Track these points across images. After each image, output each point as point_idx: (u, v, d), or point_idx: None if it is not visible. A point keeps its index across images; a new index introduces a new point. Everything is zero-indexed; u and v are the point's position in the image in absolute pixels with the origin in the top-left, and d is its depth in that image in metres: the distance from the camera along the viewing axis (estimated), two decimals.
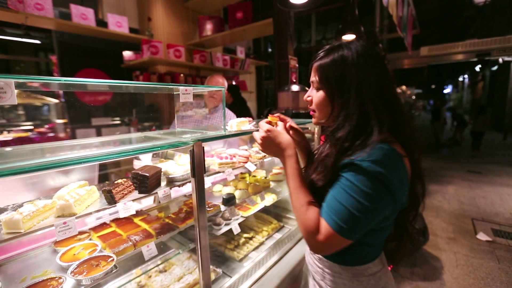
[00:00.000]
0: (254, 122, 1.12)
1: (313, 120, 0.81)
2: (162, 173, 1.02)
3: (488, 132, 10.06)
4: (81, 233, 1.00)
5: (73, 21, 3.18)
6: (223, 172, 1.21)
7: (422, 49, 7.65)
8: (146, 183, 0.88)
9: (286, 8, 2.14)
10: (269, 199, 1.79)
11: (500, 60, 9.75)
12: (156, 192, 0.91)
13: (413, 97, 17.77)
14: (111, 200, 0.81)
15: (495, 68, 12.38)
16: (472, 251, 2.79)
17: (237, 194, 1.40)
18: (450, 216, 3.64)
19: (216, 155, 1.34)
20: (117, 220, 1.11)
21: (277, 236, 1.77)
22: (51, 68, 4.21)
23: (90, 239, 0.98)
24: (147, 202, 1.43)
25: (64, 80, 0.71)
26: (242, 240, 1.60)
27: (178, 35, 4.17)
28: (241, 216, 1.58)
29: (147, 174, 0.87)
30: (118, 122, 4.18)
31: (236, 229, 1.44)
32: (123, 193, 0.84)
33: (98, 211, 0.78)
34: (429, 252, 2.77)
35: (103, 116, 4.19)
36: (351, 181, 0.61)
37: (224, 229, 1.44)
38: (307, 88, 2.11)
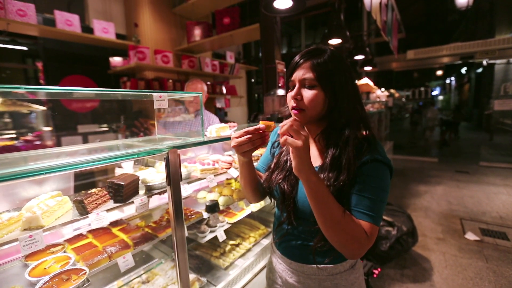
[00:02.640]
0: (236, 128, 1.11)
1: (299, 119, 0.77)
2: (140, 181, 1.00)
3: (475, 132, 10.45)
4: (55, 245, 0.97)
5: (58, 27, 3.14)
6: (205, 178, 1.19)
7: (409, 52, 7.84)
8: (122, 192, 0.85)
9: (270, 13, 2.16)
10: (256, 204, 1.78)
11: (484, 62, 10.07)
12: (132, 201, 0.88)
13: (403, 99, 18.16)
14: (83, 210, 0.78)
15: (480, 70, 12.76)
16: (460, 251, 2.82)
17: (221, 200, 1.38)
18: (439, 216, 3.69)
19: (198, 161, 1.32)
20: (94, 231, 1.08)
21: (265, 242, 1.75)
22: (38, 75, 4.13)
23: (64, 252, 0.94)
24: (129, 210, 1.39)
25: (38, 89, 0.69)
26: (228, 247, 1.57)
27: (166, 41, 4.16)
28: (227, 223, 1.56)
29: (123, 183, 0.85)
30: (105, 129, 4.11)
31: (222, 236, 1.42)
32: (96, 203, 0.82)
33: (67, 223, 0.75)
34: (419, 253, 2.79)
35: (90, 123, 4.12)
36: (376, 175, 0.69)
37: (209, 236, 1.42)
38: None
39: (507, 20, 10.82)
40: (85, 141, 3.70)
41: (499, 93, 7.46)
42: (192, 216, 1.18)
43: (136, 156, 0.78)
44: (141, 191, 1.00)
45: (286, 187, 0.79)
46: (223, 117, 5.33)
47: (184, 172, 1.07)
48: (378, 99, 5.50)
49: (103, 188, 0.86)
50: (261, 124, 0.74)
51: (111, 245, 0.94)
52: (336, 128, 0.75)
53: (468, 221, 3.54)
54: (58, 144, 3.56)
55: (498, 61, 9.94)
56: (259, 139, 0.75)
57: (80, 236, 1.03)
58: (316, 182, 0.64)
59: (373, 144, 0.72)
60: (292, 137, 0.62)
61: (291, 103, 0.77)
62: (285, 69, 2.91)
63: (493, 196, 4.42)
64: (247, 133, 0.74)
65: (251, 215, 1.83)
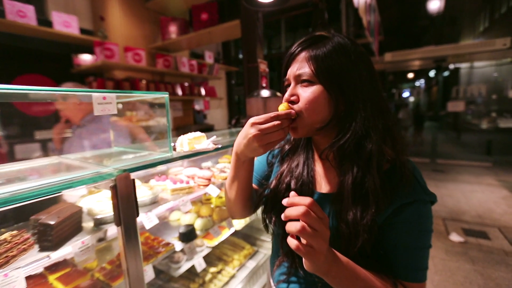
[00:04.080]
0: (214, 137, 0.88)
1: (293, 131, 0.58)
2: (86, 212, 0.74)
3: (444, 132, 11.10)
4: None
5: (8, 18, 2.72)
6: (179, 200, 0.95)
7: (386, 55, 8.04)
8: (51, 234, 0.59)
9: (253, 7, 1.96)
10: (241, 221, 1.56)
11: (451, 66, 10.66)
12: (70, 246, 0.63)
13: None
14: None
15: (447, 74, 13.50)
16: (448, 254, 2.79)
17: (198, 224, 1.14)
18: None
19: (170, 177, 1.08)
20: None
21: (251, 264, 1.53)
22: None
23: None
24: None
25: None
26: (209, 276, 1.33)
27: (138, 38, 3.82)
28: (207, 247, 1.32)
29: (51, 222, 0.59)
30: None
31: (201, 265, 1.19)
32: (7, 257, 0.55)
33: None
34: None
35: (50, 129, 3.66)
36: (420, 219, 0.53)
37: (185, 266, 1.18)
38: (278, 94, 1.92)
39: (471, 27, 11.58)
40: (44, 148, 3.27)
41: (452, 96, 8.11)
42: (161, 250, 0.94)
43: (68, 187, 0.54)
44: (88, 224, 0.74)
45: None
46: (202, 119, 5.04)
47: (147, 196, 0.83)
48: None
49: (22, 231, 0.60)
50: (290, 109, 0.55)
51: None
52: (350, 140, 0.54)
53: (451, 221, 3.56)
54: (10, 154, 3.11)
55: (463, 65, 10.56)
56: (287, 127, 0.55)
57: None
58: (338, 273, 0.46)
59: (411, 174, 0.53)
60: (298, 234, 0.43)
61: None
62: (267, 69, 2.72)
63: (469, 195, 4.55)
64: (276, 117, 0.52)
65: (234, 233, 1.61)
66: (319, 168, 0.64)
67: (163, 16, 3.94)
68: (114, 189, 0.56)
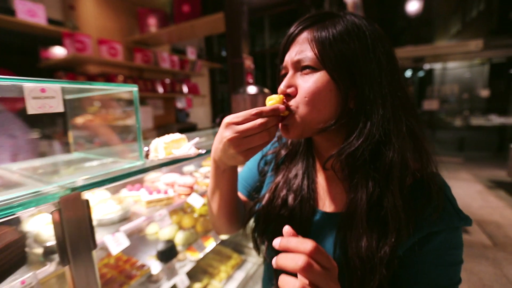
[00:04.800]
0: (197, 139, 0.75)
1: (284, 130, 0.47)
2: (32, 239, 0.58)
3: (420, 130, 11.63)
4: None
5: None
6: (156, 213, 0.81)
7: None
8: None
9: None
10: None
11: (427, 66, 11.10)
12: None
13: None
14: None
15: (422, 74, 14.08)
16: None
17: (179, 238, 1.00)
18: None
19: (145, 185, 0.93)
20: None
21: (239, 275, 1.41)
22: None
23: None
24: None
25: None
26: None
27: (113, 30, 3.55)
28: (190, 261, 1.18)
29: None
30: (37, 136, 3.36)
31: (183, 282, 1.05)
32: None
33: None
34: None
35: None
36: (450, 248, 0.43)
37: (166, 286, 1.03)
38: (266, 90, 1.81)
39: (444, 29, 12.14)
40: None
41: (427, 95, 8.55)
42: (134, 275, 0.79)
43: None
44: (36, 250, 0.59)
45: None
46: (184, 118, 4.84)
47: (115, 212, 0.69)
48: None
49: None
50: (279, 104, 0.44)
51: None
52: (365, 146, 0.43)
53: None
54: None
55: (437, 66, 11.04)
56: (275, 127, 0.42)
57: None
58: None
59: (441, 192, 0.43)
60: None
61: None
62: (253, 65, 2.60)
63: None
64: (259, 115, 0.40)
65: (220, 241, 1.48)
66: (322, 180, 0.53)
67: (141, 7, 3.69)
68: (58, 215, 0.41)
